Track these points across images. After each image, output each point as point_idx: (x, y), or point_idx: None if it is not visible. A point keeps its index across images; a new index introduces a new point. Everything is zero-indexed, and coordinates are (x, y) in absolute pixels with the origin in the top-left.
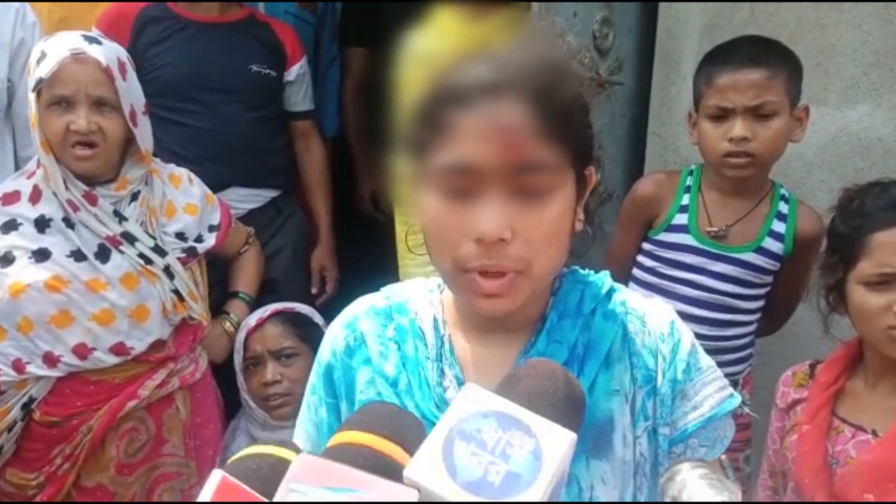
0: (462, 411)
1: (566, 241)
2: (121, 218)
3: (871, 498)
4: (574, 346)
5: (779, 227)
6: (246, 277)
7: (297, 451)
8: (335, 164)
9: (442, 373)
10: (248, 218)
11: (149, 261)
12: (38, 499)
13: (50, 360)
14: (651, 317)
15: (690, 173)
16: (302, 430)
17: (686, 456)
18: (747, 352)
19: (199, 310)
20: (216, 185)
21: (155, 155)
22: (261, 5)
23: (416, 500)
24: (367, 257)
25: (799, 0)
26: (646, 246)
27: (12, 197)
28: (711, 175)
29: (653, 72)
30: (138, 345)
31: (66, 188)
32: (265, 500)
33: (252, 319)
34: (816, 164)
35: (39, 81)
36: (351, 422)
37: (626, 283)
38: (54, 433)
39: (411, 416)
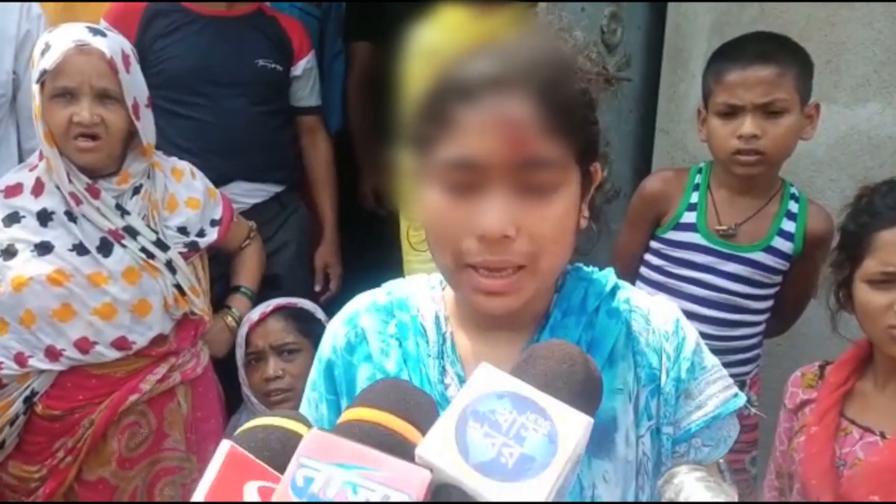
0: (476, 391)
1: (571, 238)
2: (123, 212)
3: (877, 499)
4: (577, 343)
5: (789, 226)
6: (248, 272)
7: (305, 422)
8: (339, 159)
9: (443, 370)
10: (252, 212)
11: (151, 255)
12: (39, 492)
13: (52, 353)
14: (655, 315)
15: (699, 171)
16: None
17: (690, 455)
18: (755, 352)
19: (200, 304)
20: (220, 179)
21: (159, 147)
22: None
23: (429, 479)
24: (371, 254)
25: None
26: (653, 244)
27: (15, 189)
28: (720, 173)
29: (661, 68)
30: (140, 339)
31: (69, 181)
32: (274, 472)
33: (254, 314)
34: (826, 162)
35: (43, 73)
36: (363, 398)
37: (633, 282)
38: (56, 426)
39: (423, 394)
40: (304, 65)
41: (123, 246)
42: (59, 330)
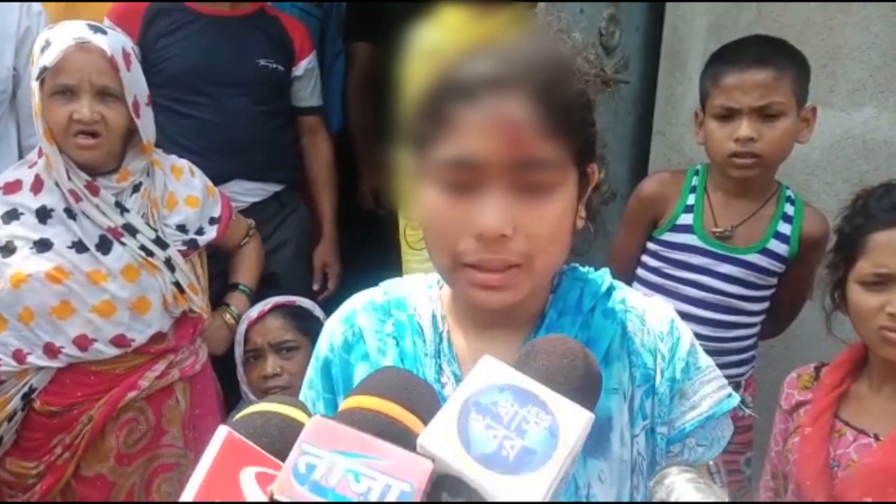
0: (478, 383)
1: (567, 238)
2: (122, 209)
3: (870, 501)
4: None
5: (784, 228)
6: (246, 269)
7: (304, 408)
8: (339, 159)
9: (440, 369)
10: (252, 211)
11: (150, 253)
12: (37, 488)
13: (50, 350)
14: (650, 315)
15: (696, 173)
16: None
17: (684, 455)
18: (750, 354)
19: (199, 302)
20: (221, 178)
21: (160, 146)
22: None
23: (430, 469)
24: (370, 253)
25: (806, 0)
26: (650, 246)
27: (14, 186)
28: (717, 175)
29: (659, 71)
30: (139, 337)
31: (69, 178)
32: (272, 457)
33: (253, 312)
34: (821, 166)
35: (43, 70)
36: (365, 385)
37: (629, 283)
38: (54, 423)
39: (425, 384)
40: (305, 65)
41: (122, 243)
42: (57, 327)
